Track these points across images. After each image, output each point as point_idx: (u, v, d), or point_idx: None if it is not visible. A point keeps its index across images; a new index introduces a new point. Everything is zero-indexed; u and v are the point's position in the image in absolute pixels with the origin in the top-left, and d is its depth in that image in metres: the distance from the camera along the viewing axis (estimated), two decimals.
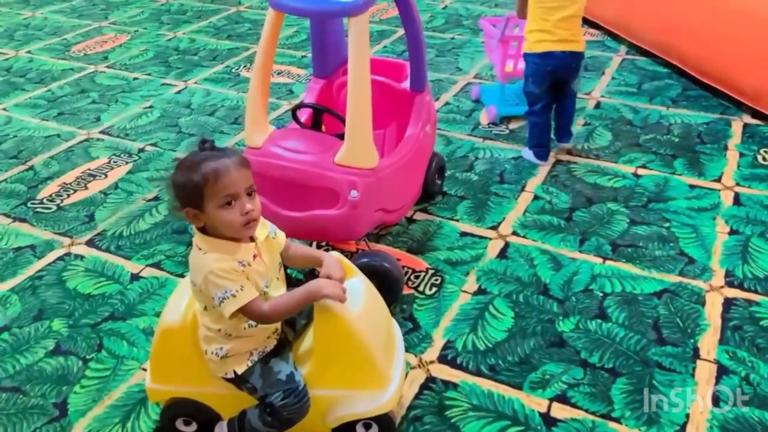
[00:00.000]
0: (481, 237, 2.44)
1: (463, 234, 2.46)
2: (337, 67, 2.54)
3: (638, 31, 3.94)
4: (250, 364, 1.49)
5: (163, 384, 1.62)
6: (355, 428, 1.61)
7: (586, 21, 4.40)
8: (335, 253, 1.63)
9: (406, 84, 2.45)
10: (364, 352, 1.54)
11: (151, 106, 3.53)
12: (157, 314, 2.11)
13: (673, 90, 3.53)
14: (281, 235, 1.57)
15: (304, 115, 2.34)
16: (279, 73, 3.88)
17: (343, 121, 2.01)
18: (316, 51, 2.51)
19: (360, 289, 1.60)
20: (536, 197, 2.67)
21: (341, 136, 2.02)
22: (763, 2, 3.10)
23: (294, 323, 1.64)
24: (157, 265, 2.34)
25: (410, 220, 2.54)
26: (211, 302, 1.40)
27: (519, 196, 2.67)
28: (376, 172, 2.04)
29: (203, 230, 1.42)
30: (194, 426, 1.66)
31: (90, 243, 2.47)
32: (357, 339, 1.53)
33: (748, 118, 3.20)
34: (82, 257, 2.40)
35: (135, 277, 2.29)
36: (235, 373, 1.50)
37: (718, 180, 2.74)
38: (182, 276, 2.28)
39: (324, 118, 2.26)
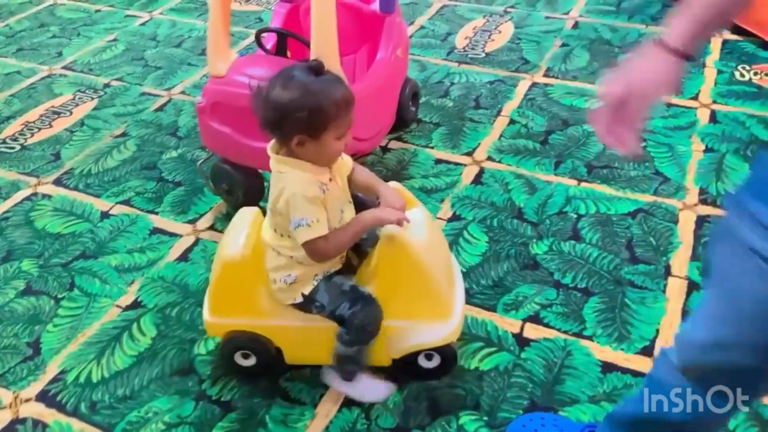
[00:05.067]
0: (456, 164, 2.41)
1: (438, 161, 2.43)
2: None
3: None
4: (315, 283, 1.48)
5: (223, 317, 1.60)
6: (416, 359, 1.61)
7: None
8: (395, 183, 1.59)
9: (376, 6, 2.36)
10: (429, 282, 1.52)
11: (115, 39, 3.39)
12: (130, 252, 2.09)
13: (653, 7, 3.44)
14: (347, 158, 1.52)
15: (269, 42, 2.26)
16: (247, 0, 3.73)
17: (309, 45, 1.93)
18: None
19: (422, 218, 1.56)
20: (512, 121, 2.63)
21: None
22: None
23: (359, 248, 1.60)
24: (127, 202, 2.30)
25: (384, 149, 2.50)
26: (287, 225, 1.37)
27: (494, 121, 2.63)
28: None
29: (284, 152, 1.38)
30: (253, 359, 1.64)
31: (57, 182, 2.42)
32: (422, 268, 1.50)
33: (727, 34, 3.14)
34: (49, 197, 2.35)
35: (105, 215, 2.25)
36: (302, 295, 1.49)
37: (695, 98, 2.70)
38: (153, 213, 2.24)
39: (290, 43, 2.18)
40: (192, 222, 2.20)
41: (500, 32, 3.29)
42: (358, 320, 1.46)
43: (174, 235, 2.15)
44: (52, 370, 1.73)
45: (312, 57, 1.90)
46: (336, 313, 1.47)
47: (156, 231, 2.17)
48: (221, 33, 2.02)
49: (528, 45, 3.16)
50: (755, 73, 2.84)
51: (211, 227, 2.17)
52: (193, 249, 2.09)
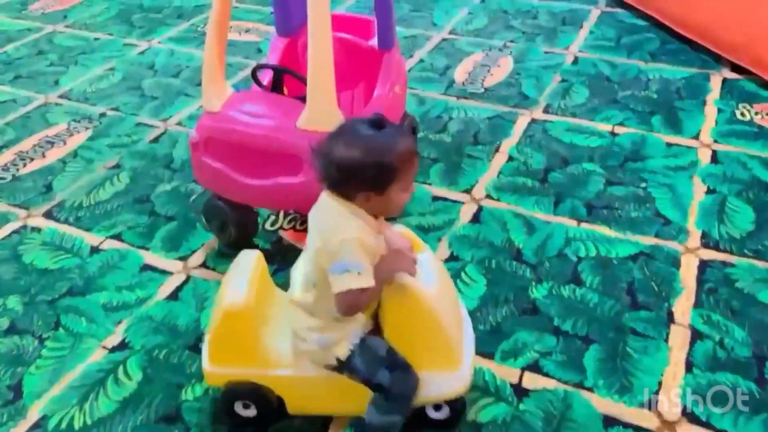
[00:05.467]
0: (454, 201, 2.37)
1: (436, 198, 2.39)
2: (302, 25, 2.41)
3: None
4: (351, 347, 1.40)
5: (223, 367, 1.53)
6: (424, 409, 1.54)
7: None
8: (400, 227, 1.53)
9: (374, 41, 2.34)
10: (441, 332, 1.46)
11: (112, 68, 3.37)
12: (119, 289, 2.04)
13: (652, 44, 3.43)
14: None
15: (266, 77, 2.23)
16: (247, 31, 3.72)
17: (305, 82, 1.90)
18: (278, 7, 2.38)
19: (431, 264, 1.51)
20: (510, 158, 2.59)
21: (305, 99, 1.92)
22: None
23: None
24: (117, 237, 2.25)
25: None
26: (327, 268, 1.29)
27: (493, 158, 2.60)
28: None
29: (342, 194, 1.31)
30: (254, 410, 1.57)
31: (48, 215, 2.37)
32: (433, 318, 1.44)
33: (727, 72, 3.13)
34: (39, 230, 2.30)
35: (95, 250, 2.20)
36: (338, 360, 1.41)
37: (696, 137, 2.68)
38: (144, 248, 2.19)
39: (287, 79, 2.16)
40: (183, 259, 2.15)
41: (499, 66, 3.28)
42: (396, 389, 1.39)
43: (165, 272, 2.10)
44: (33, 415, 1.67)
45: (308, 93, 1.88)
46: (374, 381, 1.40)
47: (146, 267, 2.12)
48: (217, 67, 1.99)
49: (527, 80, 3.14)
50: (756, 113, 2.82)
51: (203, 264, 2.12)
52: (183, 287, 2.03)
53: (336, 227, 1.29)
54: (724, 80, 3.07)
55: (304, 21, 2.38)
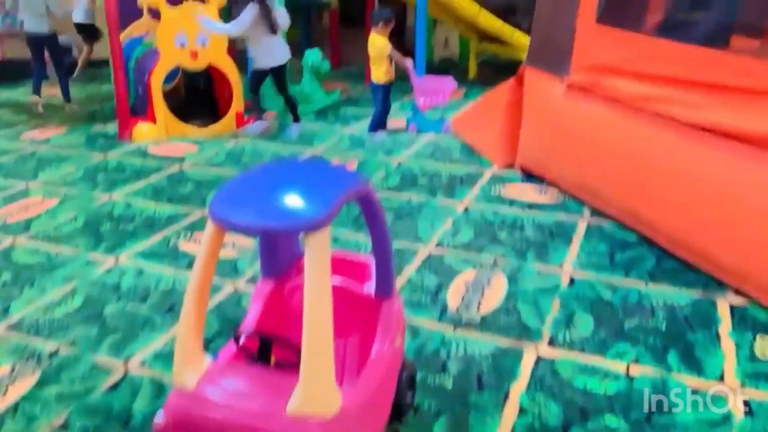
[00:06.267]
0: None
1: None
2: (290, 265, 2.20)
3: (602, 195, 3.79)
4: None
5: None
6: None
7: (544, 181, 4.29)
8: None
9: (371, 286, 2.12)
10: None
11: (73, 291, 3.07)
12: None
13: (647, 261, 3.32)
14: None
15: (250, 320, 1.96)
16: (222, 246, 3.51)
17: (298, 353, 1.62)
18: (264, 247, 2.16)
19: None
20: (522, 410, 2.29)
21: (296, 365, 1.62)
22: (734, 175, 2.96)
23: None
24: None
25: None
26: None
27: (503, 408, 2.29)
28: (339, 421, 1.63)
29: None
30: None
31: None
32: None
33: (732, 297, 2.98)
34: None
35: None
36: None
37: (720, 379, 2.44)
38: None
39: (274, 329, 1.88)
40: None
41: (493, 288, 3.09)
42: None
43: None
44: None
45: (302, 372, 1.59)
46: None
47: None
48: (194, 336, 1.71)
49: (525, 306, 2.94)
50: None
51: None
52: None
53: None
54: (732, 308, 2.91)
55: (291, 261, 2.19)
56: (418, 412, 2.28)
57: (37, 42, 6.11)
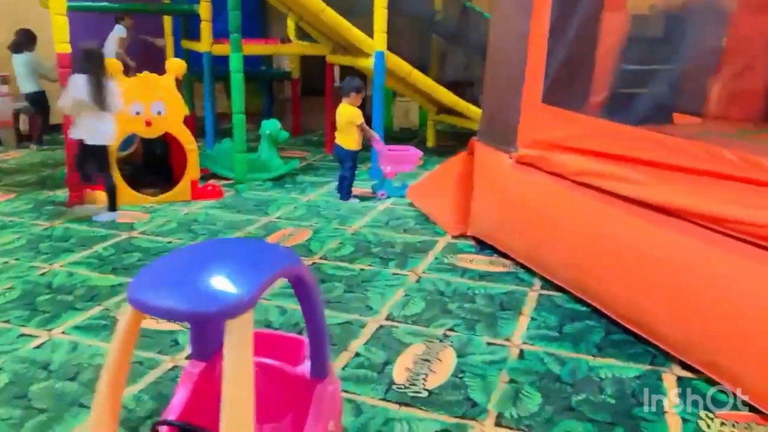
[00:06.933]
0: None
1: None
2: (220, 348, 2.11)
3: (551, 266, 3.81)
4: None
5: None
6: None
7: (496, 251, 4.30)
8: None
9: (304, 369, 2.05)
10: None
11: None
12: None
13: (596, 334, 3.31)
14: None
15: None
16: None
17: None
18: (194, 327, 2.08)
19: None
20: None
21: None
22: (679, 250, 3.00)
23: None
24: None
25: None
26: None
27: None
28: None
29: None
30: None
31: None
32: None
33: (678, 370, 2.97)
34: None
35: None
36: None
37: None
38: None
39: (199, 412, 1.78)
40: None
41: (441, 361, 3.03)
42: None
43: None
44: None
45: None
46: None
47: None
48: (106, 428, 1.60)
49: (473, 380, 2.88)
50: (722, 423, 2.60)
51: None
52: None
53: None
54: (678, 379, 2.89)
55: (221, 345, 2.11)
56: None
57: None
